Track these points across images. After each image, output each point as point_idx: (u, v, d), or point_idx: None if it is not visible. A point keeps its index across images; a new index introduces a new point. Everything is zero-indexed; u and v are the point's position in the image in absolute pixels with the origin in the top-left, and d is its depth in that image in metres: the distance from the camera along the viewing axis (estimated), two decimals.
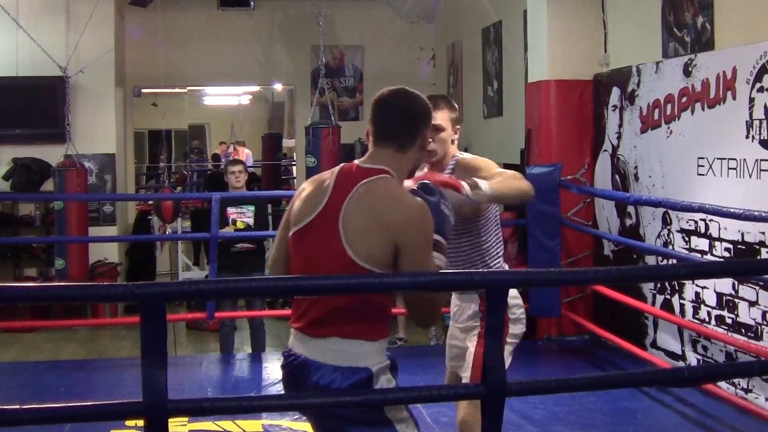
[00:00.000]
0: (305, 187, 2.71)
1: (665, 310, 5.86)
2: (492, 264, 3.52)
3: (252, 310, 7.11)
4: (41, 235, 9.44)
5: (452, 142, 3.55)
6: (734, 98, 5.07)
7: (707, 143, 5.37)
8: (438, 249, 2.57)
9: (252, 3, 11.22)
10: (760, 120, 4.83)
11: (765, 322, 4.87)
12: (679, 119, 5.69)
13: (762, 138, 4.82)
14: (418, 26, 11.45)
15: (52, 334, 8.48)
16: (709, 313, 5.40)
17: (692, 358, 5.64)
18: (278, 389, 2.61)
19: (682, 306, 5.72)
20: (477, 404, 3.37)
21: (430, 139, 3.47)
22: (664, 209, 5.75)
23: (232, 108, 18.56)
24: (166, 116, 16.06)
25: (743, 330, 5.04)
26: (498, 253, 3.56)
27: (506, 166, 8.94)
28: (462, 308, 3.64)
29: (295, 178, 13.45)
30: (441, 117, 3.48)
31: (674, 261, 5.62)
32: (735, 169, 5.07)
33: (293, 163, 13.86)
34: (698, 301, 5.52)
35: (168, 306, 2.24)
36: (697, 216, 5.41)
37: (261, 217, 6.95)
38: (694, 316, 5.57)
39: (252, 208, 6.90)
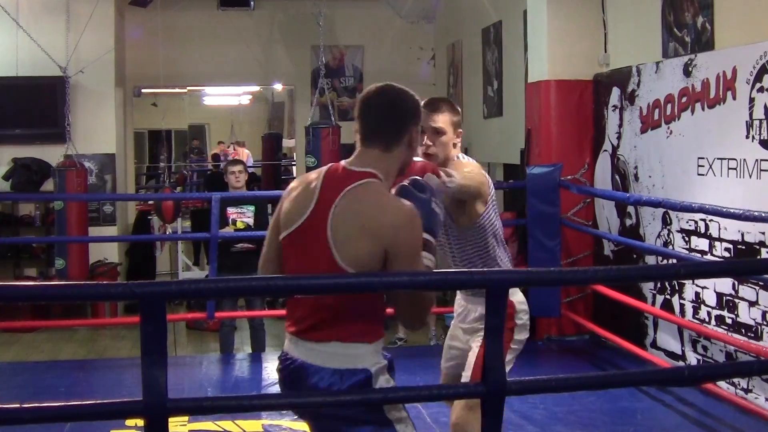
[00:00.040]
0: (293, 188, 2.68)
1: (665, 310, 5.86)
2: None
3: (252, 310, 7.11)
4: (41, 235, 9.44)
5: (454, 145, 3.51)
6: (734, 98, 5.07)
7: (707, 143, 5.37)
8: (427, 248, 2.55)
9: (252, 3, 11.22)
10: (760, 120, 4.83)
11: (765, 322, 4.87)
12: (679, 119, 5.69)
13: (762, 138, 4.82)
14: (418, 26, 11.46)
15: (52, 334, 8.48)
16: (709, 313, 5.41)
17: (692, 358, 5.64)
18: (278, 389, 2.62)
19: (682, 306, 5.72)
20: (470, 406, 3.37)
21: (430, 142, 3.47)
22: (664, 209, 5.75)
23: (232, 108, 18.57)
24: (166, 116, 16.06)
25: (743, 330, 5.04)
26: (503, 261, 3.54)
27: (506, 166, 9.02)
28: (468, 309, 3.61)
29: (295, 178, 13.45)
30: (442, 120, 3.45)
31: (674, 261, 5.62)
32: (735, 169, 5.07)
33: (293, 163, 13.86)
34: (698, 301, 5.52)
35: (168, 306, 2.24)
36: (697, 216, 5.41)
37: (261, 217, 6.95)
38: (694, 316, 5.57)
39: (252, 208, 6.90)
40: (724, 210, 4.71)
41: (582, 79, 6.95)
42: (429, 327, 8.07)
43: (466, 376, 3.48)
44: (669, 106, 5.80)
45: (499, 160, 9.14)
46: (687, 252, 5.59)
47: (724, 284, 5.21)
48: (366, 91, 2.66)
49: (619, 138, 6.55)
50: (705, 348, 5.50)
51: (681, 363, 5.70)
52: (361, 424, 2.49)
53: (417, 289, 2.49)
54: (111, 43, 9.51)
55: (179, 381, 5.83)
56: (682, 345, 5.75)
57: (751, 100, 4.90)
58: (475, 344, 3.48)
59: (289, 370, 2.57)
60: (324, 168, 2.64)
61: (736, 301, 5.12)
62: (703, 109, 5.40)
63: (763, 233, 4.86)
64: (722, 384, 5.13)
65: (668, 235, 5.86)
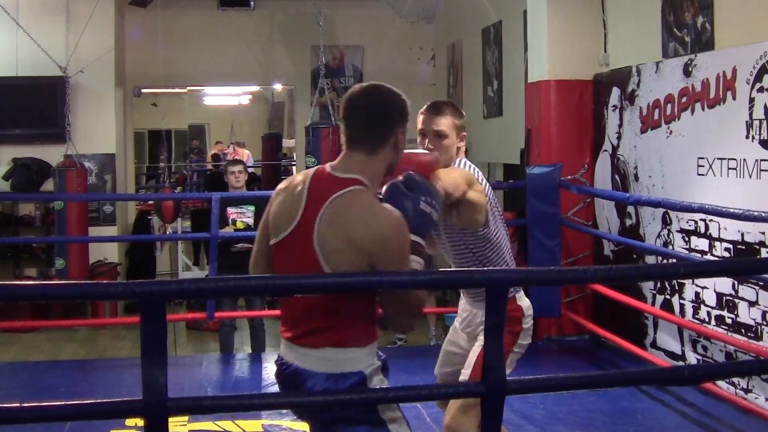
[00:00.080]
0: (280, 190, 2.65)
1: (665, 310, 5.86)
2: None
3: (252, 310, 7.11)
4: (41, 235, 9.44)
5: (457, 149, 3.45)
6: (734, 98, 5.07)
7: (707, 143, 5.37)
8: (416, 250, 2.52)
9: (252, 3, 11.22)
10: (760, 120, 4.84)
11: (765, 322, 4.87)
12: (679, 119, 5.70)
13: (762, 138, 4.83)
14: (418, 26, 11.46)
15: (52, 334, 8.48)
16: (709, 313, 5.41)
17: (692, 358, 5.64)
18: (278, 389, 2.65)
19: (682, 306, 5.72)
20: (465, 408, 3.36)
21: (432, 146, 3.45)
22: (664, 209, 5.75)
23: (232, 108, 18.57)
24: (166, 116, 16.06)
25: (743, 330, 5.04)
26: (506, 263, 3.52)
27: (506, 166, 9.02)
28: (473, 314, 3.58)
29: None
30: (444, 123, 3.41)
31: (674, 261, 5.62)
32: (735, 169, 5.07)
33: (293, 163, 13.86)
34: (698, 301, 5.52)
35: (168, 306, 2.24)
36: (697, 216, 5.41)
37: (261, 217, 6.93)
38: (694, 316, 5.57)
39: (252, 208, 6.90)
40: (724, 210, 4.71)
41: (582, 79, 6.95)
42: (429, 327, 8.08)
43: (465, 374, 3.46)
44: (669, 106, 5.80)
45: (499, 160, 9.14)
46: (687, 252, 5.59)
47: (724, 284, 5.21)
48: (350, 91, 2.61)
49: (619, 138, 6.55)
50: (705, 348, 5.51)
51: (681, 363, 5.70)
52: (355, 424, 2.49)
53: (418, 288, 2.49)
54: (111, 43, 9.51)
55: (179, 381, 5.83)
56: (682, 345, 5.75)
57: (751, 100, 4.91)
58: (477, 346, 3.46)
59: (284, 375, 2.58)
60: (310, 171, 2.61)
61: (736, 301, 5.12)
62: (703, 109, 5.40)
63: (763, 233, 4.86)
64: (722, 384, 5.13)
65: (668, 235, 5.86)
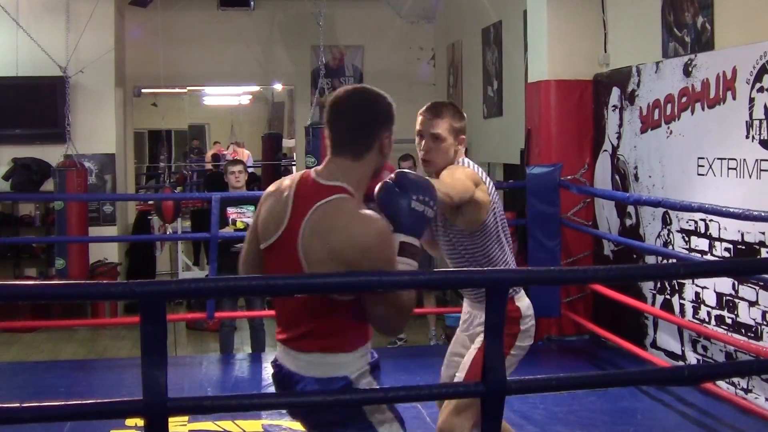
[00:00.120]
0: (269, 194, 2.62)
1: (665, 310, 5.86)
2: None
3: (252, 310, 7.11)
4: (41, 235, 9.44)
5: (455, 152, 3.43)
6: (734, 98, 5.07)
7: (707, 143, 5.37)
8: (408, 252, 2.46)
9: (252, 3, 11.23)
10: (760, 120, 4.84)
11: (765, 322, 4.87)
12: (679, 119, 5.70)
13: (762, 138, 4.83)
14: (418, 26, 11.46)
15: (52, 334, 8.48)
16: (709, 313, 5.41)
17: (692, 358, 5.64)
18: None
19: (682, 306, 5.72)
20: (458, 411, 3.35)
21: (428, 149, 3.43)
22: (664, 209, 5.75)
23: (232, 108, 18.56)
24: (166, 116, 16.06)
25: (743, 330, 5.04)
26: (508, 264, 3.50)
27: (506, 166, 9.02)
28: (473, 316, 3.57)
29: None
30: (442, 127, 3.38)
31: (674, 261, 5.62)
32: (735, 169, 5.07)
33: (293, 163, 13.86)
34: (698, 301, 5.52)
35: (168, 306, 2.24)
36: (697, 216, 5.41)
37: None
38: (694, 316, 5.57)
39: (252, 208, 6.90)
40: (724, 210, 4.71)
41: (582, 79, 6.95)
42: (429, 327, 8.08)
43: (459, 377, 3.44)
44: (669, 106, 5.80)
45: (499, 160, 9.14)
46: (687, 252, 5.59)
47: (724, 284, 5.21)
48: (334, 95, 2.55)
49: (619, 138, 6.55)
50: (705, 348, 5.50)
51: (681, 363, 5.70)
52: (341, 428, 2.50)
53: (418, 288, 2.48)
54: (111, 43, 9.52)
55: (179, 381, 5.83)
56: (682, 345, 5.75)
57: (751, 100, 4.91)
58: (473, 348, 3.44)
59: (279, 376, 2.59)
60: (297, 176, 2.57)
61: (736, 301, 5.12)
62: (703, 109, 5.40)
63: (763, 233, 4.86)
64: (722, 384, 5.13)
65: (668, 235, 5.86)
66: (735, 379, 5.06)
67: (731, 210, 4.64)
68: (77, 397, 2.49)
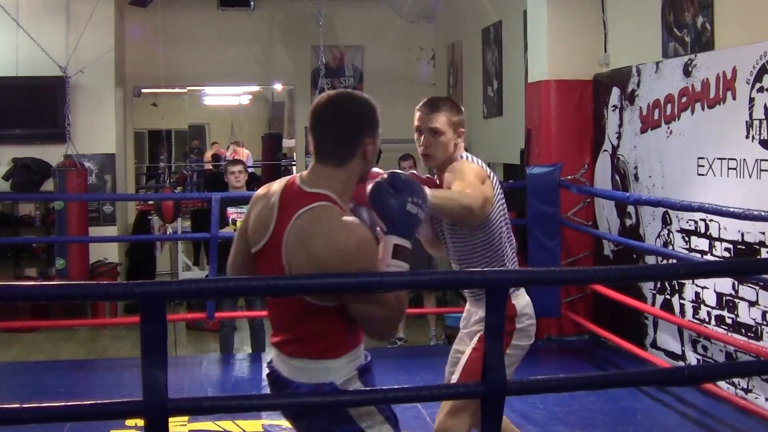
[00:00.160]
0: (258, 197, 2.62)
1: (665, 310, 5.86)
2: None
3: (252, 310, 7.11)
4: (41, 235, 9.44)
5: (455, 146, 3.42)
6: (734, 98, 5.07)
7: (707, 143, 5.37)
8: (400, 254, 2.43)
9: (252, 3, 11.23)
10: (760, 120, 4.83)
11: (765, 322, 4.87)
12: (679, 119, 5.70)
13: (762, 138, 4.82)
14: (418, 26, 11.46)
15: (52, 334, 8.48)
16: (709, 313, 5.41)
17: (692, 358, 5.64)
18: None
19: (682, 306, 5.72)
20: (454, 412, 3.34)
21: (427, 143, 3.43)
22: (664, 209, 5.75)
23: (232, 108, 18.56)
24: (166, 116, 16.06)
25: (743, 330, 5.04)
26: (508, 260, 3.48)
27: (506, 166, 9.03)
28: (471, 312, 3.55)
29: None
30: (440, 120, 3.38)
31: (674, 261, 5.62)
32: (735, 169, 5.07)
33: (293, 163, 13.86)
34: (698, 301, 5.52)
35: (168, 306, 2.24)
36: (697, 216, 5.41)
37: None
38: (694, 316, 5.57)
39: None
40: (724, 210, 4.71)
41: (582, 79, 6.95)
42: (429, 327, 8.08)
43: (454, 378, 3.42)
44: (669, 106, 5.80)
45: (499, 160, 9.14)
46: (687, 252, 5.59)
47: (724, 284, 5.21)
48: (316, 101, 2.52)
49: (619, 138, 6.55)
50: (705, 348, 5.50)
51: (681, 363, 5.70)
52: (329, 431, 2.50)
53: (418, 289, 2.48)
54: (111, 43, 9.51)
55: (179, 381, 5.83)
56: (682, 345, 5.75)
57: (751, 100, 4.91)
58: (469, 348, 3.43)
59: (271, 378, 2.60)
60: (284, 180, 2.57)
61: (736, 301, 5.12)
62: (703, 109, 5.40)
63: (763, 233, 4.86)
64: (722, 384, 5.13)
65: (668, 235, 5.86)
66: (735, 379, 5.06)
67: (731, 210, 4.64)
68: (77, 397, 2.49)
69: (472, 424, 3.33)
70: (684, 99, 5.61)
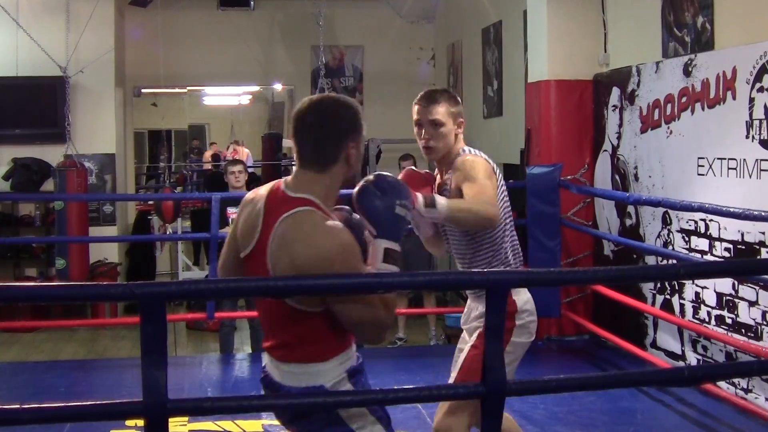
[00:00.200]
0: (247, 201, 2.62)
1: (665, 310, 5.86)
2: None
3: (252, 310, 7.10)
4: (41, 235, 9.44)
5: (456, 136, 3.40)
6: (734, 98, 5.07)
7: (707, 143, 5.37)
8: (390, 257, 2.42)
9: (252, 3, 11.23)
10: (760, 120, 4.84)
11: (765, 322, 4.87)
12: (679, 119, 5.70)
13: (762, 138, 4.82)
14: (418, 26, 11.46)
15: (52, 334, 8.48)
16: (709, 313, 5.41)
17: (692, 358, 5.64)
18: None
19: (682, 306, 5.72)
20: (452, 411, 3.32)
21: (428, 136, 3.43)
22: (664, 209, 5.75)
23: (232, 108, 18.56)
24: (166, 116, 16.07)
25: (743, 330, 5.04)
26: (513, 254, 3.47)
27: (506, 166, 9.04)
28: (471, 308, 3.53)
29: None
30: (440, 112, 3.36)
31: (674, 261, 5.62)
32: (735, 169, 5.07)
33: (293, 163, 13.77)
34: (698, 301, 5.52)
35: (168, 306, 2.24)
36: (697, 216, 5.41)
37: None
38: (694, 316, 5.57)
39: None
40: (724, 210, 4.71)
41: (582, 79, 6.95)
42: (429, 327, 8.08)
43: (452, 376, 3.41)
44: (669, 106, 5.80)
45: (499, 160, 9.09)
46: (687, 252, 5.59)
47: (724, 284, 5.21)
48: (297, 107, 2.51)
49: (619, 138, 6.55)
50: (705, 348, 5.50)
51: (681, 363, 5.70)
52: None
53: (418, 289, 2.48)
54: (111, 43, 9.51)
55: (179, 381, 5.83)
56: (682, 345, 5.75)
57: (751, 100, 4.91)
58: (467, 347, 3.40)
59: (265, 383, 2.61)
60: (270, 185, 2.57)
61: (736, 301, 5.12)
62: (703, 109, 5.40)
63: (763, 233, 4.86)
64: (722, 384, 5.13)
65: (668, 235, 5.86)
66: (735, 380, 5.06)
67: (731, 210, 4.63)
68: (77, 398, 2.49)
69: (471, 424, 3.32)
70: (684, 99, 5.62)
